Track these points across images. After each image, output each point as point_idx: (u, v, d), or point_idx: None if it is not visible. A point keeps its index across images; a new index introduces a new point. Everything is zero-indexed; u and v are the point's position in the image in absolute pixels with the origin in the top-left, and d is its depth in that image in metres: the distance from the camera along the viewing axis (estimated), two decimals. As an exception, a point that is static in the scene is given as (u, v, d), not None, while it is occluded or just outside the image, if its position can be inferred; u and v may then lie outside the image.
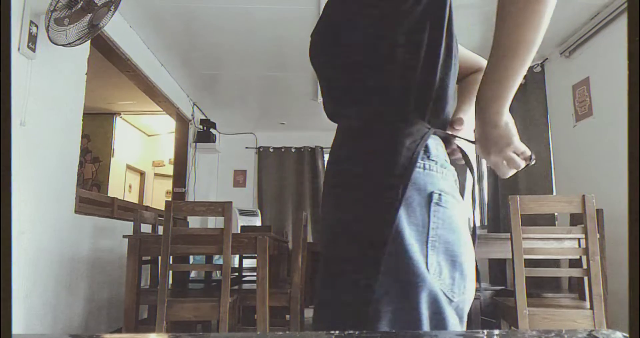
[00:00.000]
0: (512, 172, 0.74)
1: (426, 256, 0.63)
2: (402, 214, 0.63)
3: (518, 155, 0.70)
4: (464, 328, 0.68)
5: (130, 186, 6.77)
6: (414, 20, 0.70)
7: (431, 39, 0.70)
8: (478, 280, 0.72)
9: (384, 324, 0.60)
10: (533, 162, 0.72)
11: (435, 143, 0.70)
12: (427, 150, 0.68)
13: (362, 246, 0.64)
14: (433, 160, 0.68)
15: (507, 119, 0.68)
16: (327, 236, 0.71)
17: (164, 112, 4.96)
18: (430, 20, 0.71)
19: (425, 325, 0.61)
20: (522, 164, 0.72)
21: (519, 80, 0.66)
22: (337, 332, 0.33)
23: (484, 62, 0.90)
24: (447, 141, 0.76)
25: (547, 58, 3.68)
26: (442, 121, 0.73)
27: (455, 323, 0.65)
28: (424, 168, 0.67)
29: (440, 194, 0.66)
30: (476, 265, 0.70)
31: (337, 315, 0.65)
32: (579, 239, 2.24)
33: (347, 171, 0.71)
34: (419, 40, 0.70)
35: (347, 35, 0.76)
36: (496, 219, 4.15)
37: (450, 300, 0.64)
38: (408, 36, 0.70)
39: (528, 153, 0.71)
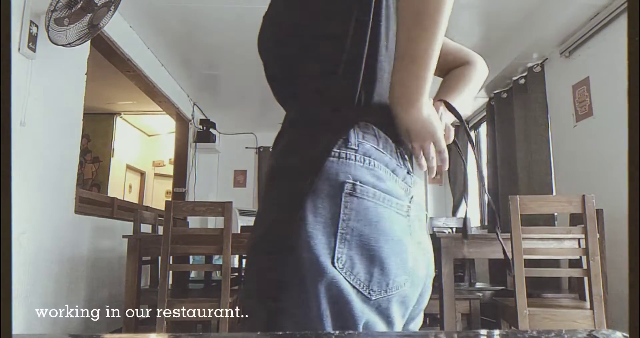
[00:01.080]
0: (431, 169, 0.73)
1: (333, 250, 0.60)
2: (310, 206, 0.61)
3: (439, 152, 0.70)
4: (399, 328, 0.65)
5: (130, 186, 6.77)
6: (341, 7, 0.69)
7: (357, 26, 0.68)
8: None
9: (288, 321, 0.59)
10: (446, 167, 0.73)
11: (360, 131, 0.67)
12: (346, 139, 0.65)
13: (271, 241, 0.64)
14: (352, 148, 0.65)
15: (429, 111, 0.67)
16: (251, 233, 0.71)
17: (164, 112, 4.96)
18: (358, 7, 0.69)
19: (328, 322, 0.59)
20: (435, 163, 0.71)
21: (431, 67, 0.64)
22: (337, 331, 0.33)
23: (473, 56, 0.88)
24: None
25: (547, 58, 3.68)
26: (377, 108, 0.70)
27: (375, 321, 0.62)
28: (339, 157, 0.64)
29: (354, 184, 0.63)
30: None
31: (252, 313, 0.64)
32: (578, 239, 2.24)
33: (272, 164, 0.71)
34: (345, 29, 0.68)
35: (280, 25, 0.75)
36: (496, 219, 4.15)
37: (368, 298, 0.61)
38: (334, 24, 0.69)
39: (446, 154, 0.70)
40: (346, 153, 0.64)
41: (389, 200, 0.65)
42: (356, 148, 0.65)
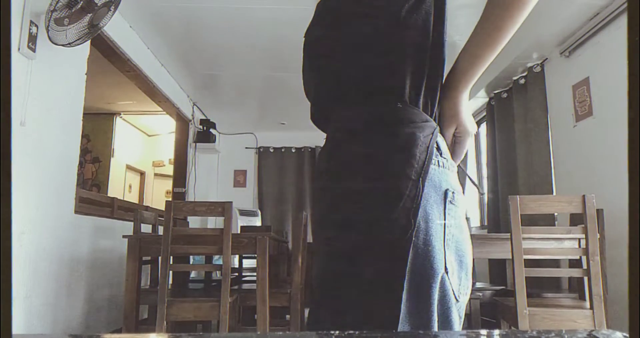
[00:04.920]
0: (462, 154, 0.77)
1: (444, 256, 0.61)
2: (422, 211, 0.61)
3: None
4: (460, 329, 0.67)
5: (130, 186, 6.77)
6: (421, 17, 0.69)
7: (436, 37, 0.70)
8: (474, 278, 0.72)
9: (399, 325, 0.58)
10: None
11: (442, 141, 0.69)
12: (438, 146, 0.66)
13: (384, 245, 0.60)
14: (444, 157, 0.67)
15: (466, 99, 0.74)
16: (335, 236, 0.65)
17: (164, 112, 4.96)
18: (436, 17, 0.70)
19: (436, 328, 0.60)
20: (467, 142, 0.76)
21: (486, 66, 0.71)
22: (337, 332, 0.33)
23: None
24: None
25: (547, 58, 3.68)
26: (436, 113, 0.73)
27: (457, 323, 0.64)
28: (438, 165, 0.65)
29: (453, 193, 0.65)
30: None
31: (355, 317, 0.59)
32: (579, 239, 2.24)
33: (356, 168, 0.65)
34: (426, 38, 0.69)
35: (349, 35, 0.72)
36: (496, 219, 4.15)
37: (457, 300, 0.63)
38: (416, 34, 0.69)
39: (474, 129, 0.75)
40: (442, 161, 0.66)
41: (465, 207, 0.68)
42: (446, 157, 0.68)
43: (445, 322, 0.62)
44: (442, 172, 0.65)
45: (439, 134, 0.68)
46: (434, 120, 0.70)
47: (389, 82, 0.69)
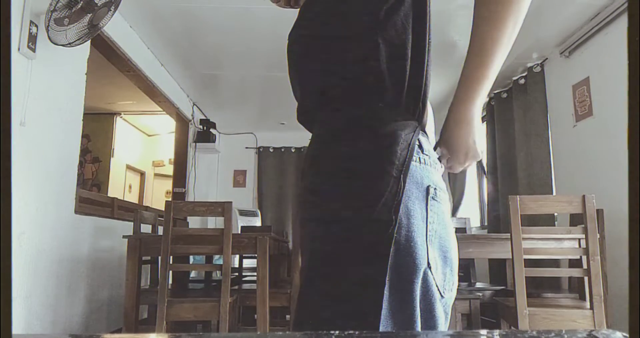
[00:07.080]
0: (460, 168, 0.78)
1: (427, 252, 0.62)
2: (404, 208, 0.61)
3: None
4: (447, 325, 0.67)
5: (130, 186, 6.77)
6: (400, 19, 0.70)
7: (416, 38, 0.70)
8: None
9: (382, 321, 0.58)
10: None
11: (424, 139, 0.70)
12: (420, 144, 0.67)
13: (365, 242, 0.61)
14: (426, 154, 0.68)
15: (479, 120, 0.73)
16: (318, 234, 0.66)
17: (164, 112, 4.96)
18: (415, 18, 0.71)
19: (419, 322, 0.60)
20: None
21: (492, 81, 0.72)
22: (337, 332, 0.33)
23: None
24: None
25: (547, 58, 3.68)
26: (425, 120, 0.72)
27: (443, 320, 0.64)
28: (420, 162, 0.66)
29: (435, 189, 0.66)
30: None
31: (339, 314, 0.60)
32: (579, 239, 2.24)
33: (338, 167, 0.67)
34: (406, 39, 0.70)
35: (328, 36, 0.74)
36: (496, 219, 4.15)
37: (442, 296, 0.64)
38: (395, 34, 0.70)
39: (479, 157, 0.75)
40: (424, 158, 0.67)
41: (448, 204, 0.69)
42: (429, 154, 0.68)
43: (430, 317, 0.62)
44: (423, 169, 0.66)
45: (421, 132, 0.69)
46: (419, 121, 0.70)
47: (369, 83, 0.70)
